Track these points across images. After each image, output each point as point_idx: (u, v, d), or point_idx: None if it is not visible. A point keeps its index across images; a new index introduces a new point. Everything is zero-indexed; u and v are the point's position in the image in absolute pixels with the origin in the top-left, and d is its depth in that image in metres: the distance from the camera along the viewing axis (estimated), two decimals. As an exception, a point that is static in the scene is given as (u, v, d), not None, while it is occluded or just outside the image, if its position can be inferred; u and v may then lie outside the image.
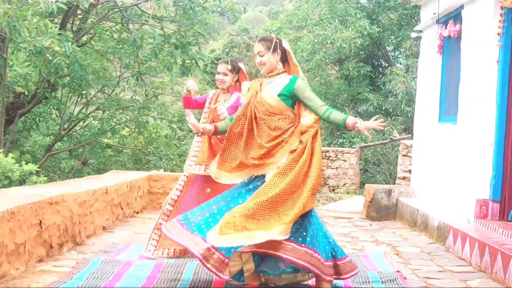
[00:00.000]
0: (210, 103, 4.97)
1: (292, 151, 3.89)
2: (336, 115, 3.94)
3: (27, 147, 11.78)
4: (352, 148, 14.04)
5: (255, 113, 3.98)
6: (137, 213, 7.23)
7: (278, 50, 3.99)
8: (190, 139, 14.83)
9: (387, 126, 15.49)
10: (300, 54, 17.00)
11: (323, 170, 12.55)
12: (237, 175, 4.04)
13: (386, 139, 14.65)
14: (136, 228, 6.27)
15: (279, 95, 3.94)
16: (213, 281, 4.20)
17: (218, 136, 4.65)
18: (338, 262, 3.98)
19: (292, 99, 3.97)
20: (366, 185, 8.41)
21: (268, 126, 3.94)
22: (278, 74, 4.03)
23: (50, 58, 7.74)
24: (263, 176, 3.95)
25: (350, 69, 16.60)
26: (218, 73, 4.93)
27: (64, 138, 11.73)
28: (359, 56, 17.22)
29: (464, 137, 6.48)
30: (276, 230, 3.70)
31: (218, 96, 4.98)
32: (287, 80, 3.99)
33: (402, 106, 15.61)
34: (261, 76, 4.30)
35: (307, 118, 3.98)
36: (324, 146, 15.48)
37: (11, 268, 4.03)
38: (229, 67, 4.94)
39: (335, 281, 4.04)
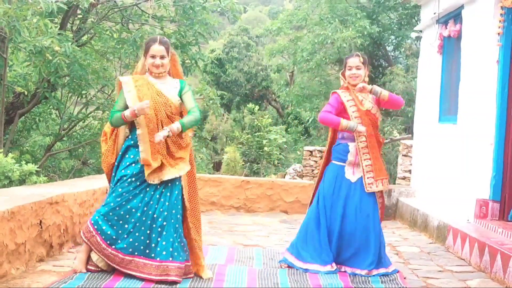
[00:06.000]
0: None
1: None
2: None
3: (27, 147, 11.76)
4: (352, 148, 13.99)
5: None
6: (137, 213, 7.23)
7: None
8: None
9: (388, 126, 15.47)
10: (300, 54, 16.98)
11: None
12: None
13: (386, 139, 14.65)
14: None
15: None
16: (214, 281, 4.20)
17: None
18: None
19: None
20: (366, 185, 8.39)
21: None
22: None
23: (50, 58, 7.73)
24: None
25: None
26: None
27: (64, 138, 11.71)
28: (359, 56, 17.19)
29: (464, 137, 6.48)
30: None
31: None
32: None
33: (402, 106, 15.60)
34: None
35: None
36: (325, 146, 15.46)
37: (12, 268, 4.04)
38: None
39: (333, 282, 4.03)
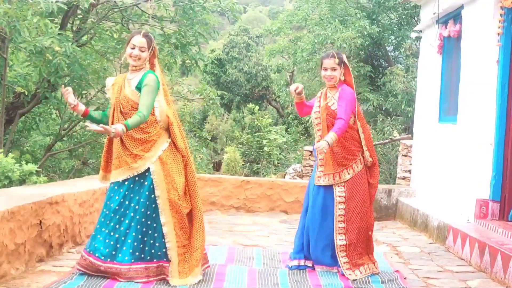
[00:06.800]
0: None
1: None
2: None
3: (27, 147, 11.78)
4: (352, 148, 13.97)
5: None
6: (137, 213, 7.23)
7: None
8: (189, 139, 14.83)
9: (387, 126, 15.48)
10: (300, 54, 16.99)
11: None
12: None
13: (386, 139, 14.65)
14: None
15: None
16: (214, 281, 4.20)
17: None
18: None
19: None
20: (366, 185, 8.39)
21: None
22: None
23: (50, 58, 7.74)
24: None
25: (350, 69, 16.51)
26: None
27: (64, 138, 11.72)
28: (359, 56, 17.20)
29: (464, 137, 6.48)
30: None
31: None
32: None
33: (402, 106, 15.60)
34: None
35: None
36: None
37: (11, 268, 4.04)
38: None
39: (333, 282, 4.02)
